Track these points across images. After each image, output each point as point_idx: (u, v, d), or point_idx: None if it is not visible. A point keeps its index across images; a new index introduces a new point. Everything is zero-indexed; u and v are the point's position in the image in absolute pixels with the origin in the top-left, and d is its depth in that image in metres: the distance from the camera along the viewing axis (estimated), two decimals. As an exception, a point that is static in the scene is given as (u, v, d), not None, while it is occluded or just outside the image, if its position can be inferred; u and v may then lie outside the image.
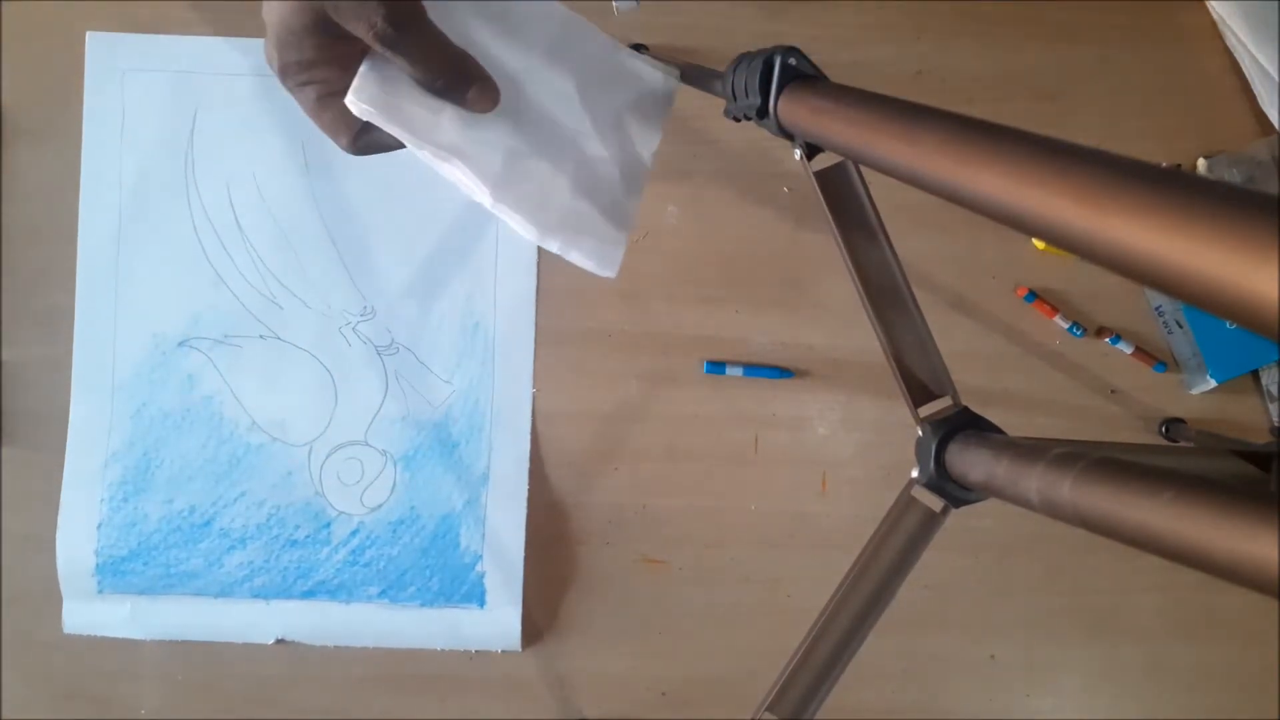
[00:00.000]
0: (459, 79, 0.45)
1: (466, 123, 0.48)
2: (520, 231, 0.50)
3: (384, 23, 0.41)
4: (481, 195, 0.49)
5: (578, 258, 0.52)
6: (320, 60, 0.43)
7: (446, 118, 0.47)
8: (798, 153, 0.42)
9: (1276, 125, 0.81)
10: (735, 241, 0.83)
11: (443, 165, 0.48)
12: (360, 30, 0.41)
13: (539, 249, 0.82)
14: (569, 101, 0.52)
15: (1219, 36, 0.83)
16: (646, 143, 0.56)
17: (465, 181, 0.49)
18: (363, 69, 0.45)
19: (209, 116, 0.81)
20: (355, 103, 0.45)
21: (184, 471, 0.81)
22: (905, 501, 0.40)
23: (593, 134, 0.53)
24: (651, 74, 0.56)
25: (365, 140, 0.47)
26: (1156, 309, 0.83)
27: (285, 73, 0.44)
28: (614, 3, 0.81)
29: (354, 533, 0.81)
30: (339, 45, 0.42)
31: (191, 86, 0.81)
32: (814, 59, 0.43)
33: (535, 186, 0.50)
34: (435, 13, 0.45)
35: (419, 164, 0.49)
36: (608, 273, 0.52)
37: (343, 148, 0.48)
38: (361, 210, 0.81)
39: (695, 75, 0.54)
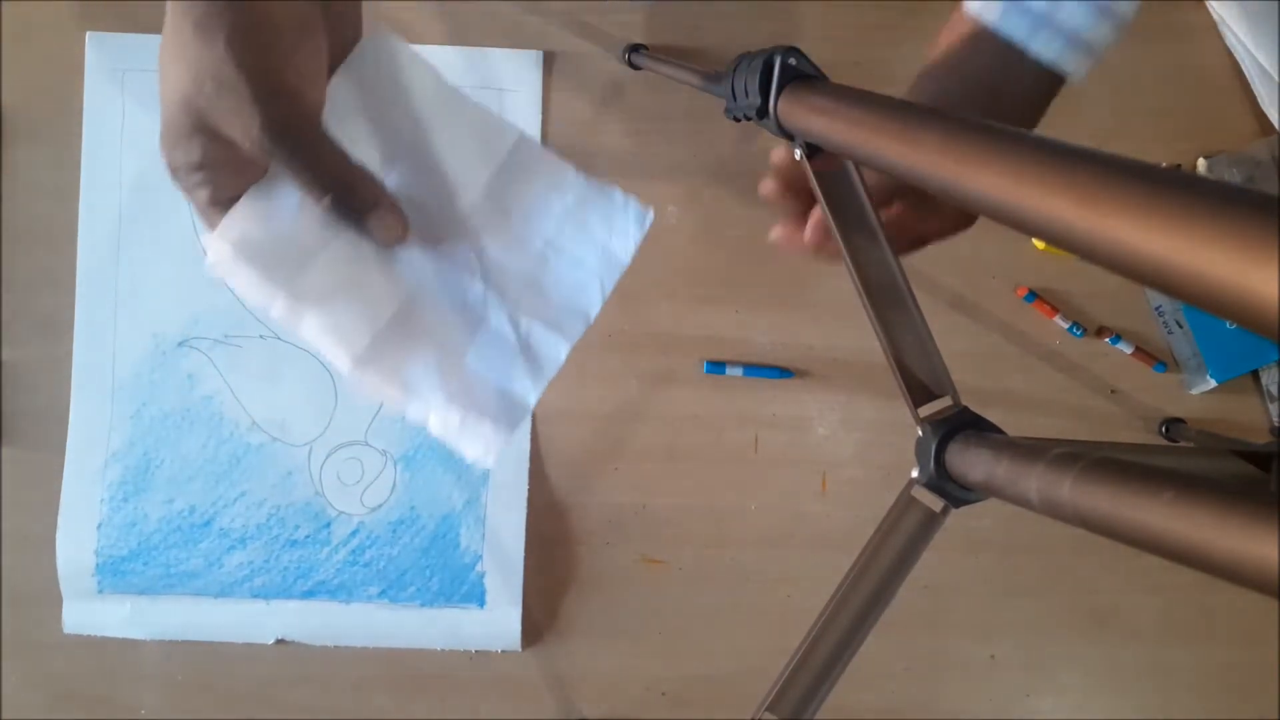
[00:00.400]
0: (352, 200, 0.40)
1: (351, 270, 0.40)
2: (388, 402, 0.42)
3: (260, 130, 0.36)
4: (340, 360, 0.41)
5: (456, 438, 0.42)
6: (209, 163, 0.39)
7: (322, 261, 0.40)
8: (798, 153, 0.42)
9: (1276, 125, 0.81)
10: (735, 241, 0.82)
11: (296, 323, 0.40)
12: (236, 136, 0.37)
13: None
14: (506, 243, 0.44)
15: (1219, 36, 0.83)
16: (595, 291, 0.45)
17: (322, 343, 0.41)
18: (237, 208, 0.39)
19: (209, 116, 0.81)
20: (215, 247, 0.39)
21: (184, 471, 0.81)
22: (905, 501, 0.40)
23: (525, 287, 0.44)
24: (621, 205, 0.46)
25: None
26: (1156, 309, 0.83)
27: (174, 173, 0.40)
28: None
29: (354, 533, 0.81)
30: (229, 149, 0.38)
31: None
32: (814, 59, 0.43)
33: (420, 354, 0.42)
34: (346, 126, 0.41)
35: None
36: (484, 460, 0.42)
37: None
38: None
39: (697, 77, 0.54)
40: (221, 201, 0.40)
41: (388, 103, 0.42)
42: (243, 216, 0.40)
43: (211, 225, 0.41)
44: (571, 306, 0.44)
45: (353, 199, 0.40)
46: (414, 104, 0.43)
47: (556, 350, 0.43)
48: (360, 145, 0.41)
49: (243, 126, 0.36)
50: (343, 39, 0.41)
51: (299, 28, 0.37)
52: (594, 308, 0.44)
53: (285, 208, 0.40)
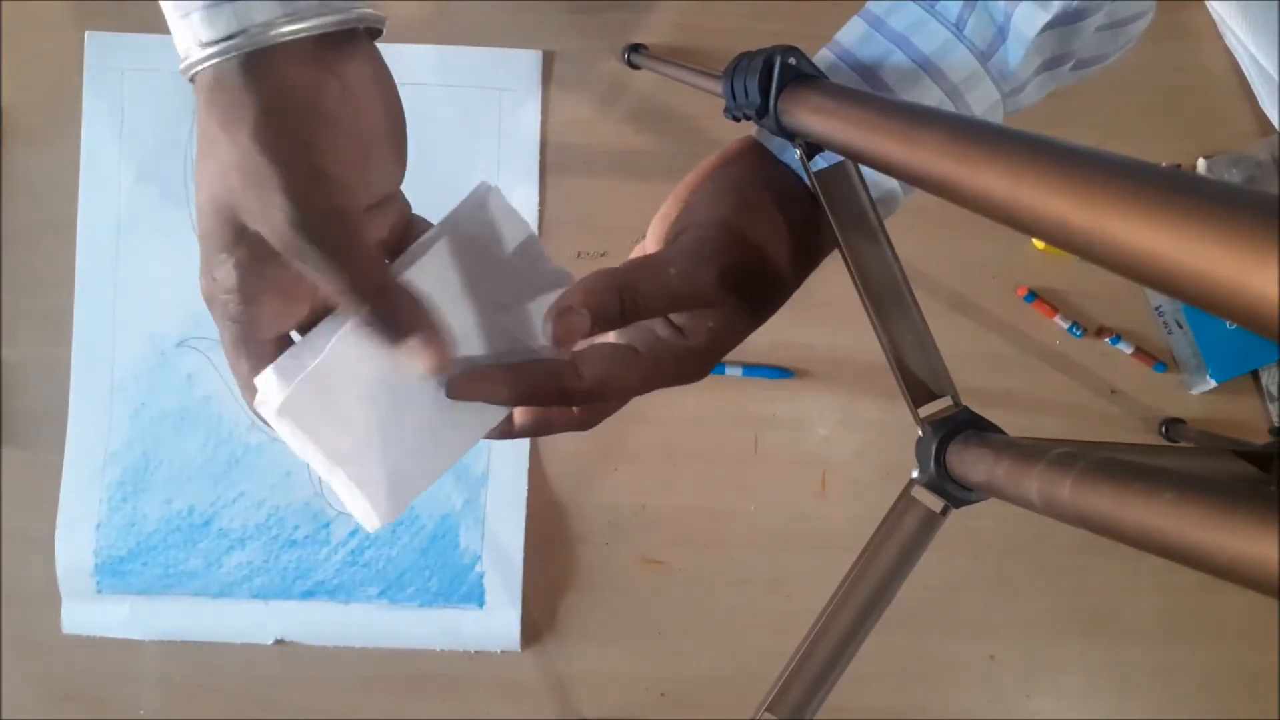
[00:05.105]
0: (394, 314, 0.35)
1: (387, 421, 0.39)
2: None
3: (289, 224, 0.32)
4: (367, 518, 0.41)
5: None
6: (258, 291, 0.35)
7: (359, 418, 0.39)
8: (797, 153, 0.42)
9: (1276, 125, 0.81)
10: (735, 241, 0.82)
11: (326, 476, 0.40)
12: (264, 232, 0.33)
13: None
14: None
15: (1219, 36, 0.83)
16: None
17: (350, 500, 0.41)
18: (299, 380, 0.36)
19: (208, 116, 0.81)
20: (278, 418, 0.38)
21: (183, 471, 0.81)
22: (905, 502, 0.40)
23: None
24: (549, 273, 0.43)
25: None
26: (1156, 309, 0.83)
27: (210, 298, 0.36)
28: None
29: (353, 533, 0.81)
30: (270, 267, 0.35)
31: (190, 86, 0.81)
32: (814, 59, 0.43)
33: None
34: (443, 284, 0.38)
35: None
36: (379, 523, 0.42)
37: (248, 402, 0.39)
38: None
39: (696, 76, 0.54)
40: (253, 342, 0.37)
41: (483, 262, 0.40)
42: (294, 370, 0.37)
43: (237, 368, 0.37)
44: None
45: (394, 313, 0.35)
46: (507, 263, 0.41)
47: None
48: (450, 305, 0.38)
49: (271, 221, 0.33)
50: (380, 119, 0.37)
51: (332, 108, 0.35)
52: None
53: (337, 365, 0.37)
